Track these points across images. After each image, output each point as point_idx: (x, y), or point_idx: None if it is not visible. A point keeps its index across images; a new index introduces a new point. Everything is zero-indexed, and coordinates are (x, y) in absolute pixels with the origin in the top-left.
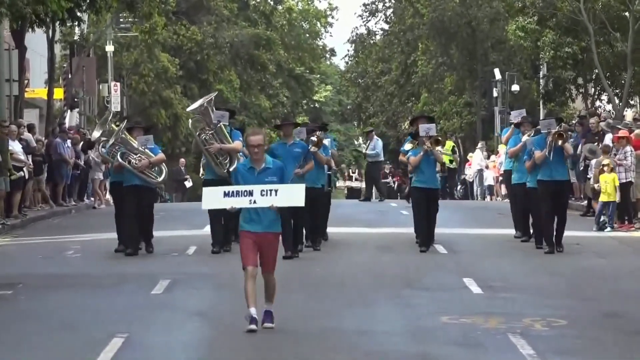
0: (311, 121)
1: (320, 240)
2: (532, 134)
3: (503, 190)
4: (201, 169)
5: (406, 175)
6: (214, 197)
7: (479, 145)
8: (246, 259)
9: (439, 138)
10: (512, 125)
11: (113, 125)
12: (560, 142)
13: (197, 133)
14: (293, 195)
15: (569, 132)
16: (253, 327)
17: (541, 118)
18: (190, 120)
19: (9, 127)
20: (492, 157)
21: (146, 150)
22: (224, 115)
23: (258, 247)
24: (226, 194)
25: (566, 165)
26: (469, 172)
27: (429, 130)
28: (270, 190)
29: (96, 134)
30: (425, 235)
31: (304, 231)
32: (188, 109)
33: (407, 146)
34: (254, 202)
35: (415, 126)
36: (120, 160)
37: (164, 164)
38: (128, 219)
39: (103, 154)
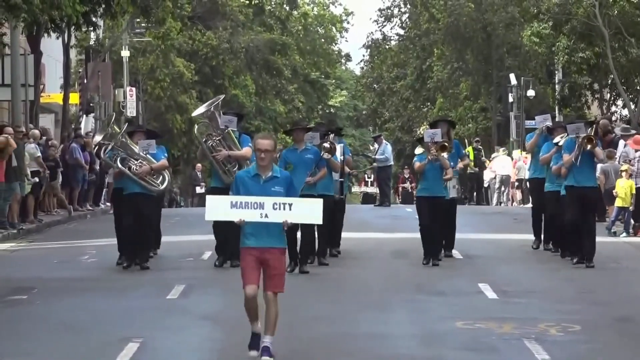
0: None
1: (326, 253)
2: (564, 137)
3: (518, 195)
4: None
5: None
6: (219, 208)
7: (502, 150)
8: (247, 278)
9: (446, 144)
10: (537, 131)
11: (116, 128)
12: (589, 147)
13: (203, 139)
14: (310, 211)
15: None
16: (254, 353)
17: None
18: (195, 126)
19: (33, 132)
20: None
21: (148, 155)
22: (232, 120)
23: (261, 265)
24: (233, 205)
25: (594, 171)
26: (487, 177)
27: (434, 135)
28: (284, 204)
29: (97, 137)
30: (428, 246)
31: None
32: (193, 114)
33: (418, 150)
34: (266, 216)
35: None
36: (119, 166)
37: (167, 170)
38: (127, 229)
39: (105, 159)
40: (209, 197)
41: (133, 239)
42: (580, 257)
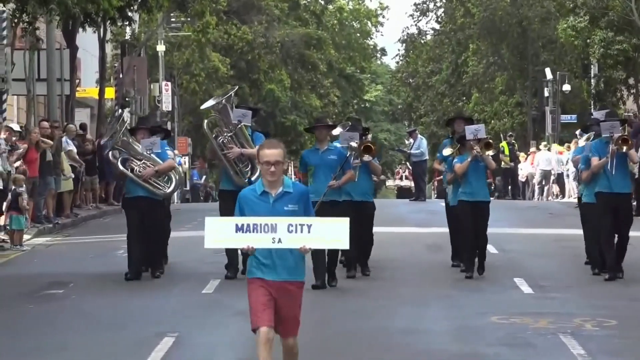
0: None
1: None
2: (591, 137)
3: (555, 189)
4: None
5: None
6: (221, 232)
7: (543, 145)
8: (258, 318)
9: (490, 141)
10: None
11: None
12: (624, 149)
13: (214, 135)
14: (334, 233)
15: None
16: None
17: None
18: (205, 121)
19: (69, 127)
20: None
21: (152, 155)
22: (246, 114)
23: (274, 301)
24: (239, 228)
25: (629, 176)
26: (525, 172)
27: (477, 132)
28: (302, 226)
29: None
30: (471, 257)
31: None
32: (202, 106)
33: (446, 151)
34: (279, 241)
35: (452, 128)
36: (121, 167)
37: (174, 171)
38: (130, 236)
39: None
40: (208, 220)
41: (137, 247)
42: (613, 273)
